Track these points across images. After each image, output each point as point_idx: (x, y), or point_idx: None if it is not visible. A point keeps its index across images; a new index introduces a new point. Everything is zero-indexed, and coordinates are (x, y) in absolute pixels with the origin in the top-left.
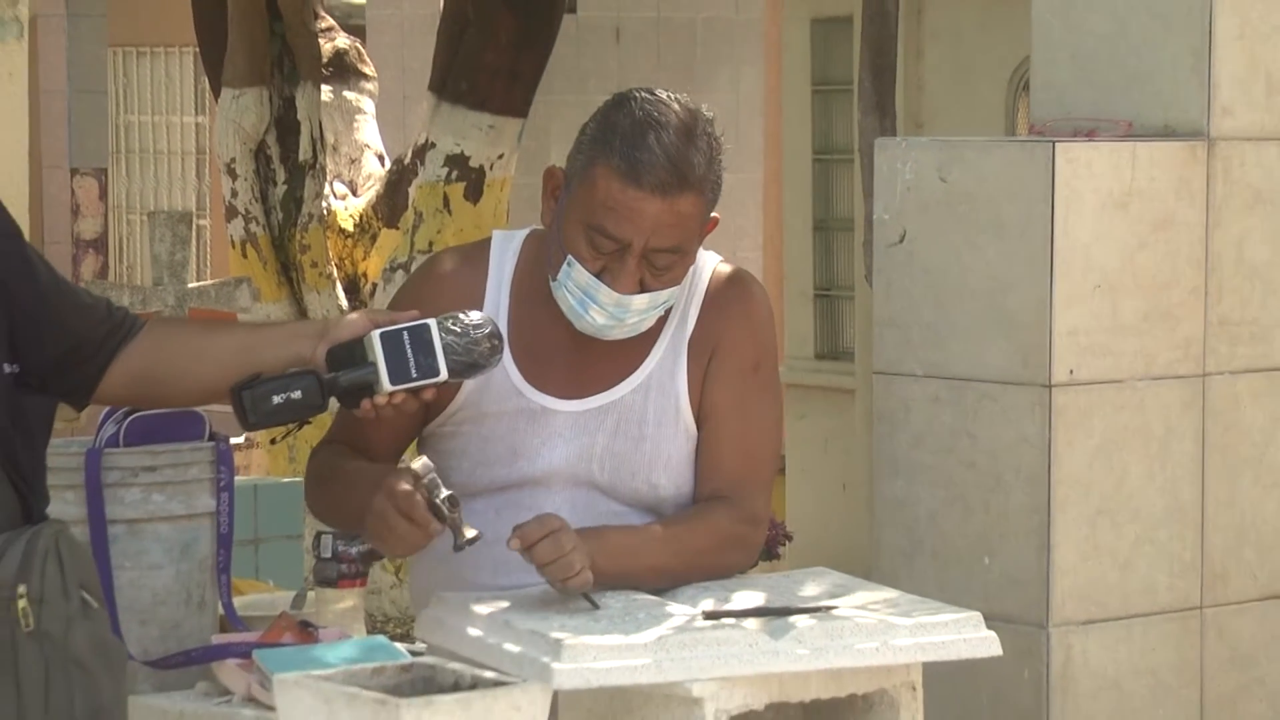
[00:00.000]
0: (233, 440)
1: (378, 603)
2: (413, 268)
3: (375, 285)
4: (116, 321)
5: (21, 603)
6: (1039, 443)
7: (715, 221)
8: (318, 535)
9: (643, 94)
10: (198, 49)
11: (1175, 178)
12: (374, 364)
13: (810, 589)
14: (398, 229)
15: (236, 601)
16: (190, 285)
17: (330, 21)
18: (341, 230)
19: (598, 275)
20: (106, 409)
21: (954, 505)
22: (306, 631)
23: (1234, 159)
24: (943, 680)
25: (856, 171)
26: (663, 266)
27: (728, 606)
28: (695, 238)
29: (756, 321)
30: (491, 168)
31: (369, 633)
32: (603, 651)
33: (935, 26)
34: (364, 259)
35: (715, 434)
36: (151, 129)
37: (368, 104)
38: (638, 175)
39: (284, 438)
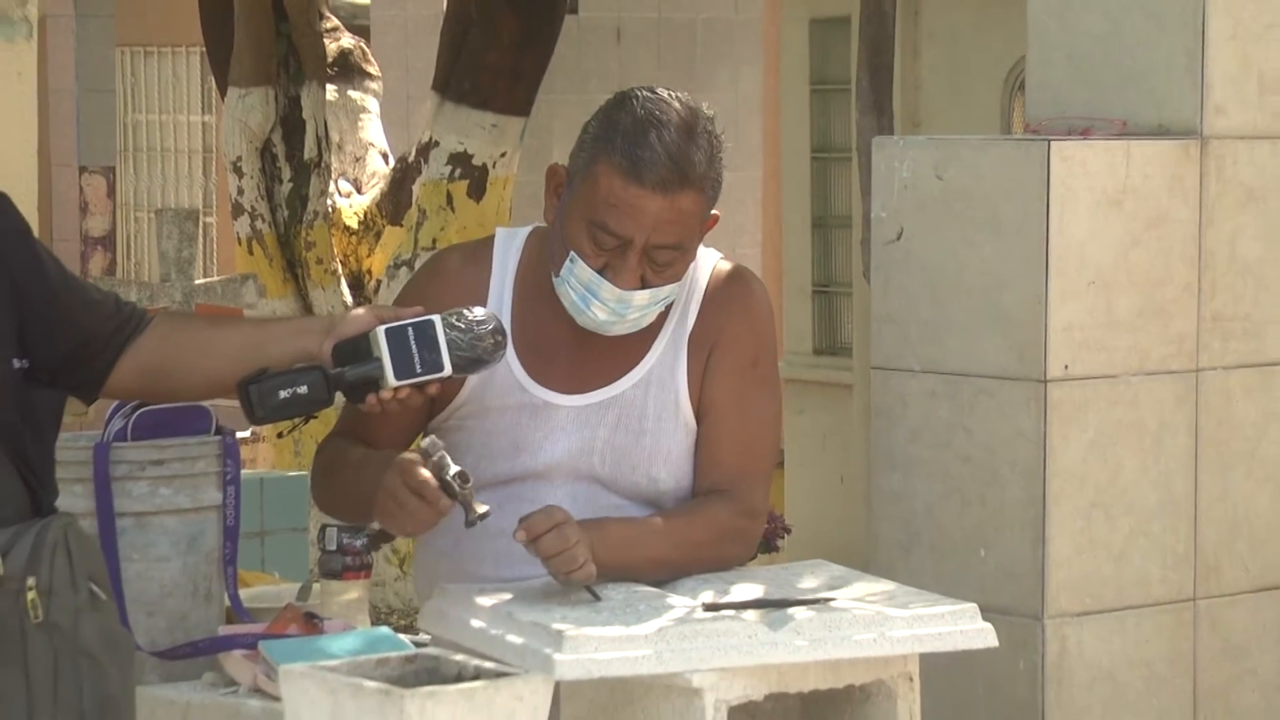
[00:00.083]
0: (239, 434)
1: (382, 595)
2: (417, 265)
3: (379, 282)
4: (125, 317)
5: (31, 594)
6: (1034, 437)
7: (715, 219)
8: (323, 528)
9: (644, 93)
10: (204, 49)
11: (1169, 176)
12: (379, 359)
13: (808, 581)
14: (402, 226)
15: (243, 593)
16: (197, 282)
17: (335, 22)
18: (346, 227)
19: (600, 272)
20: (115, 403)
21: (950, 499)
22: (311, 623)
23: (1227, 157)
24: (939, 671)
25: (854, 170)
26: (664, 263)
27: (727, 598)
28: (696, 234)
29: (756, 317)
30: (494, 166)
31: (373, 624)
32: (604, 643)
33: (932, 27)
34: (368, 256)
35: (715, 428)
36: (159, 128)
37: (372, 103)
38: (639, 173)
39: (290, 432)
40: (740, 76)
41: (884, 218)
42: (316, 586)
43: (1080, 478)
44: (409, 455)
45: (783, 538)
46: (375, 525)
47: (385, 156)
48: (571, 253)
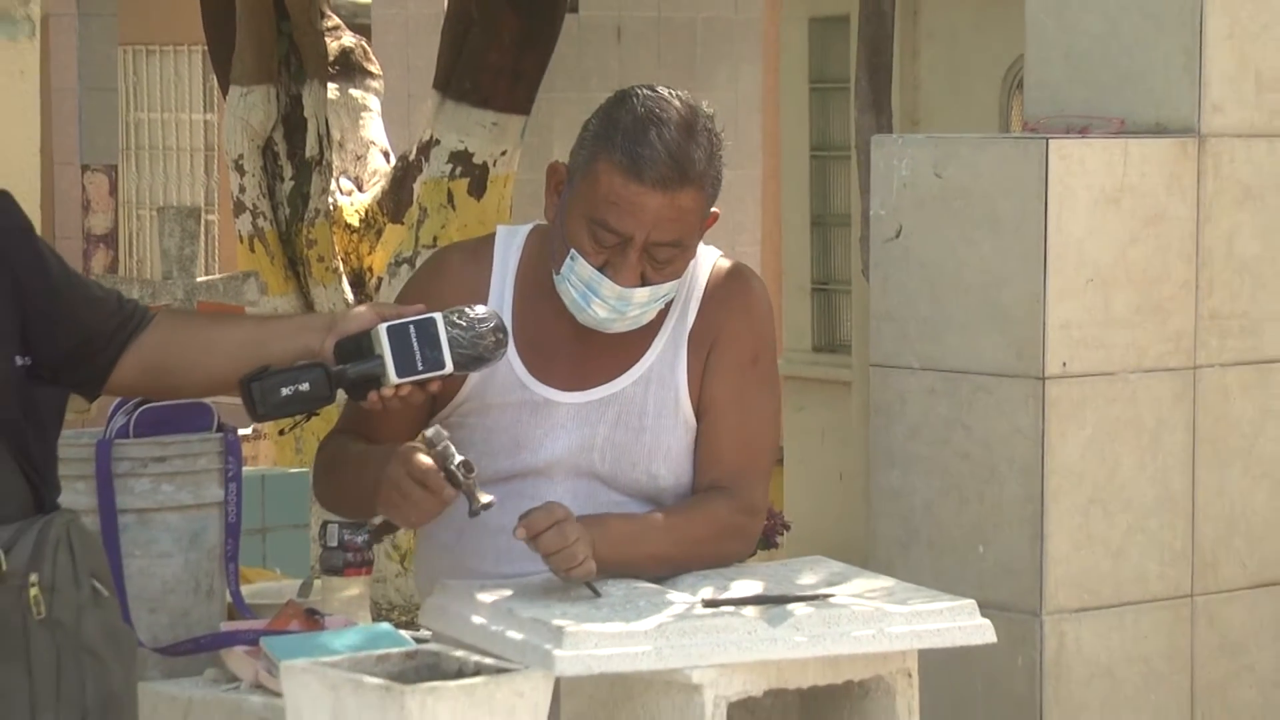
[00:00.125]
0: (240, 431)
1: (383, 591)
2: (417, 262)
3: (380, 279)
4: (127, 314)
5: (33, 591)
6: (1033, 434)
7: (715, 216)
8: (324, 524)
9: (644, 91)
10: (206, 47)
11: (1166, 174)
12: (381, 357)
13: (808, 577)
14: (403, 224)
15: (244, 590)
16: (199, 279)
17: (336, 20)
18: (347, 225)
19: (600, 269)
20: (117, 400)
21: (949, 495)
22: (313, 619)
23: (1224, 155)
24: (938, 667)
25: (853, 168)
26: (664, 260)
27: (727, 595)
28: (695, 232)
29: (755, 315)
30: (495, 164)
31: (374, 620)
32: (604, 639)
33: (931, 26)
34: (369, 254)
35: (715, 426)
36: (161, 126)
37: (373, 101)
38: (639, 170)
39: (291, 429)
40: (740, 75)
41: (883, 216)
42: (318, 583)
43: (1078, 474)
44: (412, 445)
45: (782, 534)
46: (377, 520)
47: (386, 155)
48: (572, 250)
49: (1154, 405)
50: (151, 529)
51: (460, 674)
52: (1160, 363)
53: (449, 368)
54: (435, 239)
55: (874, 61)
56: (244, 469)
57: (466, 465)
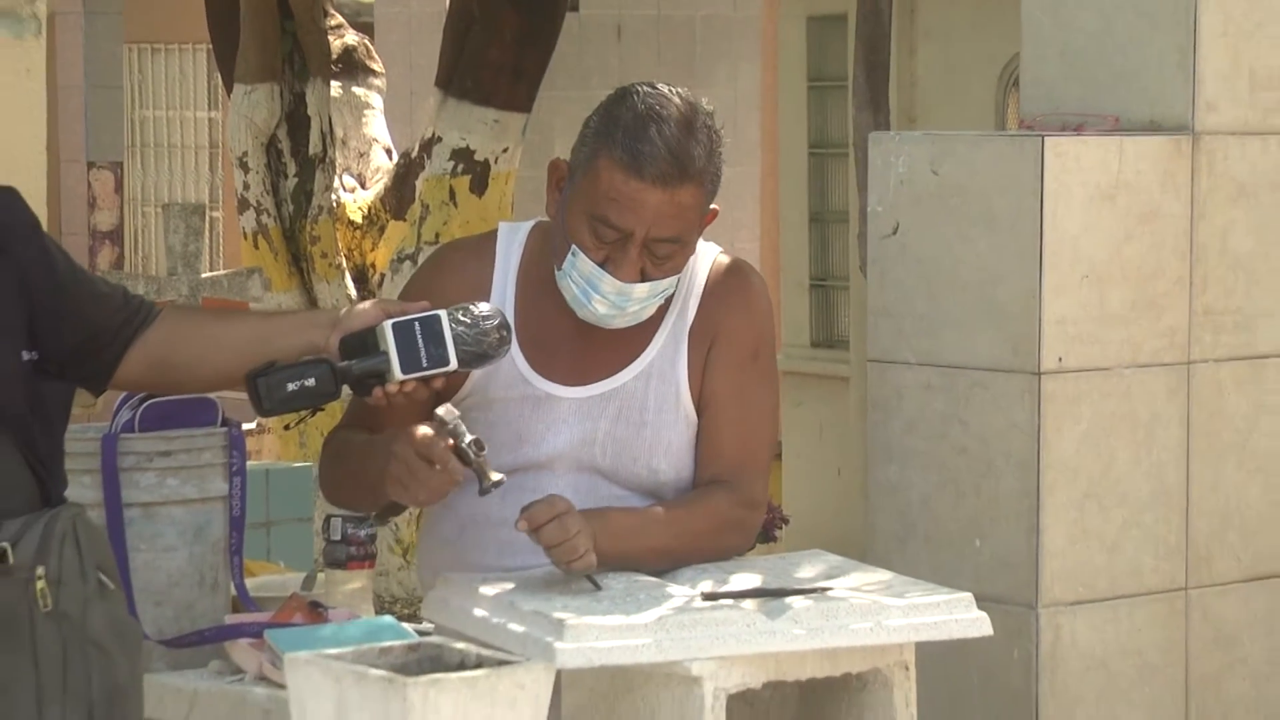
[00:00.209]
0: (245, 426)
1: (386, 584)
2: (420, 259)
3: (383, 275)
4: (133, 309)
5: (40, 584)
6: (1028, 429)
7: (715, 213)
8: (327, 518)
9: (644, 88)
10: (211, 46)
11: (1161, 171)
12: (386, 353)
13: (806, 571)
14: (405, 221)
15: (248, 583)
16: (203, 275)
17: (339, 19)
18: (350, 222)
19: (601, 265)
20: (122, 395)
21: (946, 489)
22: (316, 612)
23: (1218, 153)
24: (935, 659)
25: (851, 165)
26: (663, 256)
27: (726, 588)
28: (695, 228)
29: (755, 311)
30: (496, 161)
31: (377, 613)
32: (604, 631)
33: (927, 24)
34: (372, 250)
35: (715, 421)
36: (166, 124)
37: (376, 99)
38: (639, 167)
39: (297, 424)
40: (739, 73)
41: (880, 212)
42: (321, 576)
43: (1074, 469)
44: (419, 426)
45: (780, 528)
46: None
47: (389, 152)
48: (573, 246)
49: (1149, 400)
50: (157, 523)
51: (462, 666)
52: (1155, 358)
53: (453, 364)
54: (437, 235)
55: (871, 59)
56: (248, 463)
57: (477, 443)
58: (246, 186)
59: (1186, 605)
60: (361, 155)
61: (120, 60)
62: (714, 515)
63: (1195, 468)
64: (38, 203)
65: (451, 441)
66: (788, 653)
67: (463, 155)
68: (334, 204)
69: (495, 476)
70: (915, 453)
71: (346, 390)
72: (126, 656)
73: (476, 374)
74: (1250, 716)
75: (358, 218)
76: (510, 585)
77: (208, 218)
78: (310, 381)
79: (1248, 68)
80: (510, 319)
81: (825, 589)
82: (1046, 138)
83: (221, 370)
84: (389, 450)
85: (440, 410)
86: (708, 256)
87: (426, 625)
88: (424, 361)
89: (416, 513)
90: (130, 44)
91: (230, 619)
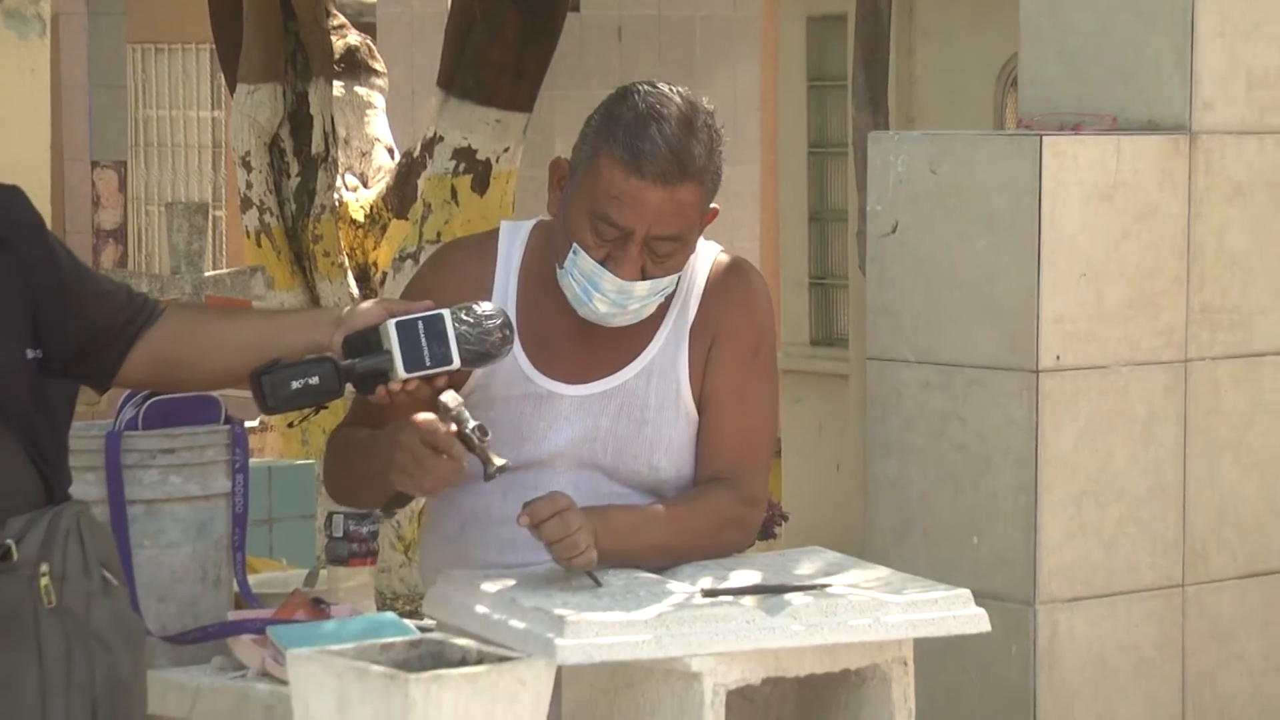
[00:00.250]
0: (247, 424)
1: (387, 580)
2: (421, 257)
3: (385, 274)
4: (137, 307)
5: (44, 580)
6: (1026, 426)
7: (715, 212)
8: (329, 515)
9: (645, 87)
10: (214, 46)
11: (1158, 170)
12: (389, 352)
13: (805, 567)
14: (407, 220)
15: (251, 579)
16: (206, 274)
17: (342, 19)
18: (353, 221)
19: (601, 262)
20: (126, 393)
21: (944, 486)
22: (318, 608)
23: (1215, 152)
24: (933, 655)
25: (850, 164)
26: (664, 254)
27: (726, 584)
28: (695, 226)
29: (756, 309)
30: (497, 161)
31: (379, 609)
32: (605, 628)
33: (926, 24)
34: (374, 249)
35: (717, 419)
36: (169, 123)
37: (378, 99)
38: (640, 165)
39: (301, 422)
40: (739, 73)
41: (879, 211)
42: (323, 572)
43: (1071, 466)
44: (423, 414)
45: (780, 525)
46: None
47: (391, 151)
48: (575, 245)
49: (1146, 398)
50: (160, 519)
51: (463, 662)
52: (1152, 356)
53: (456, 363)
54: (439, 234)
55: (870, 59)
56: (251, 460)
57: (481, 429)
58: (249, 185)
59: (1183, 601)
60: (364, 154)
61: (124, 60)
62: (715, 513)
63: (1192, 465)
64: (42, 201)
65: (455, 428)
66: (787, 649)
67: (464, 154)
68: (336, 203)
69: (499, 461)
70: (914, 450)
71: (350, 388)
72: (130, 652)
73: (478, 372)
74: (1246, 711)
75: (360, 216)
76: (511, 582)
77: (211, 216)
78: (314, 380)
79: (1244, 67)
80: (512, 317)
81: (824, 585)
82: (1045, 137)
83: (225, 368)
84: (394, 441)
85: (444, 397)
86: (708, 255)
87: (428, 622)
88: (427, 360)
89: (418, 510)
90: (134, 44)
91: (233, 615)
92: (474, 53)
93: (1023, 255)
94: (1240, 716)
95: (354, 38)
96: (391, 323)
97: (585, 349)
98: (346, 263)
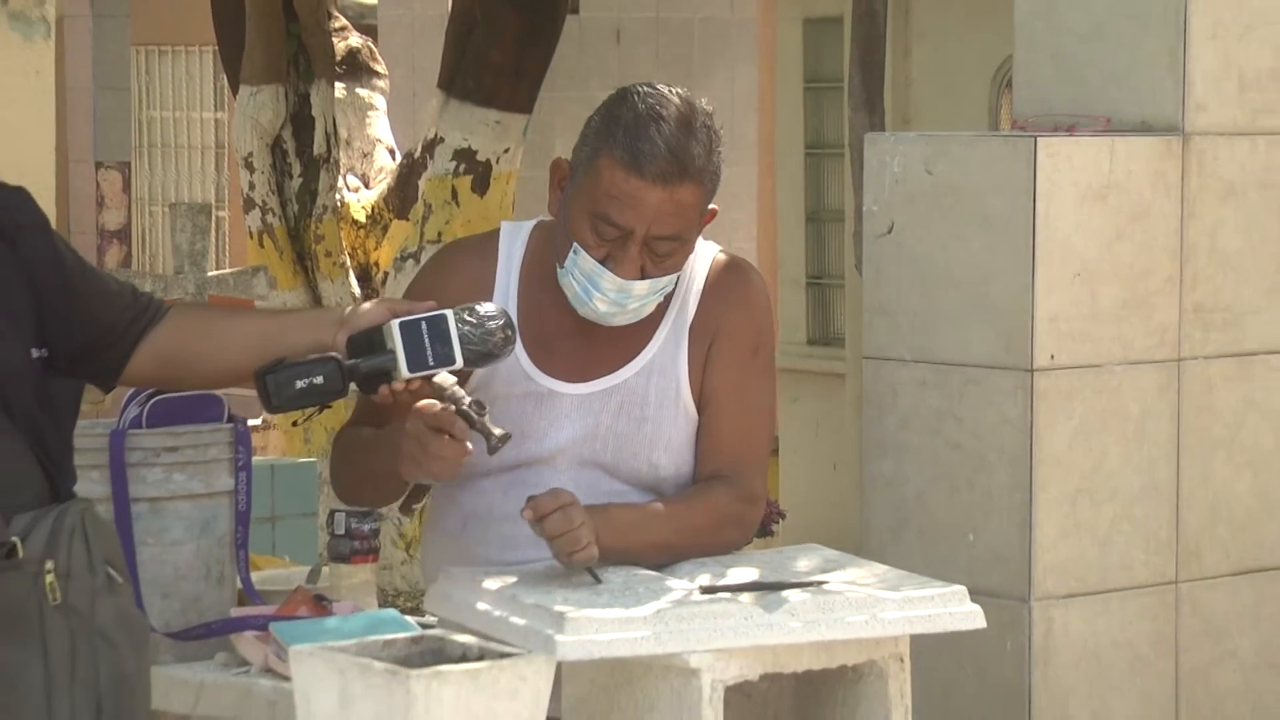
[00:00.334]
0: (250, 422)
1: (389, 578)
2: (422, 257)
3: (387, 274)
4: (141, 307)
5: (49, 577)
6: (1021, 424)
7: (714, 213)
8: (332, 513)
9: (644, 88)
10: (217, 48)
11: (1151, 171)
12: (393, 352)
13: (802, 564)
14: (408, 220)
15: (254, 576)
16: (210, 274)
17: (344, 21)
18: (354, 221)
19: (601, 262)
20: (131, 392)
21: (940, 484)
22: (321, 605)
23: (1208, 153)
24: (929, 652)
25: (847, 165)
26: (663, 254)
27: (724, 581)
28: (694, 226)
29: (755, 308)
30: (498, 161)
31: (380, 606)
32: (604, 624)
33: (922, 26)
34: (376, 249)
35: (716, 417)
36: (173, 124)
37: (379, 100)
38: (640, 165)
39: (304, 420)
40: (736, 75)
41: (875, 212)
42: (325, 570)
43: (1066, 464)
44: (425, 403)
45: (777, 523)
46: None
47: (392, 152)
48: (575, 244)
49: (1139, 396)
50: (164, 517)
51: (464, 659)
52: (1145, 355)
53: (459, 363)
54: (440, 235)
55: (867, 61)
56: (253, 459)
57: (478, 404)
58: (252, 186)
59: (1177, 598)
60: (365, 155)
61: (128, 62)
62: (714, 510)
63: (1185, 463)
64: (47, 202)
65: (453, 407)
66: (784, 645)
67: (465, 155)
68: (338, 203)
69: (498, 431)
70: (910, 448)
71: (353, 388)
72: (134, 649)
73: (480, 371)
74: (1239, 707)
75: (361, 217)
76: (512, 579)
77: (214, 217)
78: (318, 379)
79: (1237, 69)
80: (513, 317)
81: (821, 582)
82: (1039, 138)
83: (229, 367)
84: (398, 438)
85: (436, 378)
86: (707, 255)
87: (429, 618)
88: (430, 360)
89: (420, 508)
90: (138, 46)
91: (236, 612)
92: (474, 55)
93: (1017, 255)
94: (1233, 712)
95: (355, 40)
96: (395, 323)
97: (585, 348)
98: (348, 263)
